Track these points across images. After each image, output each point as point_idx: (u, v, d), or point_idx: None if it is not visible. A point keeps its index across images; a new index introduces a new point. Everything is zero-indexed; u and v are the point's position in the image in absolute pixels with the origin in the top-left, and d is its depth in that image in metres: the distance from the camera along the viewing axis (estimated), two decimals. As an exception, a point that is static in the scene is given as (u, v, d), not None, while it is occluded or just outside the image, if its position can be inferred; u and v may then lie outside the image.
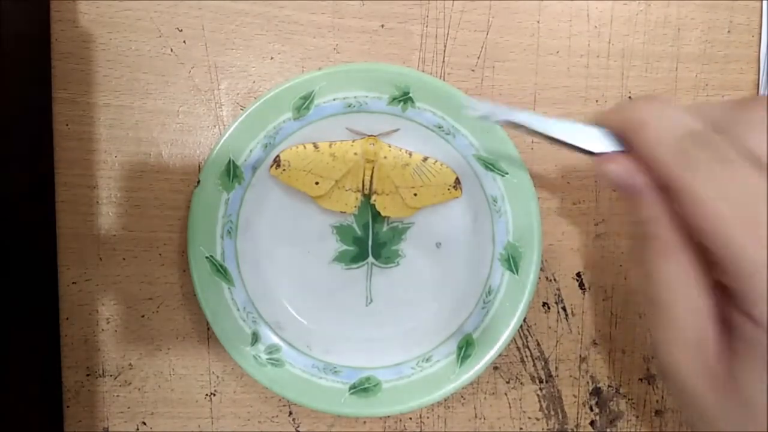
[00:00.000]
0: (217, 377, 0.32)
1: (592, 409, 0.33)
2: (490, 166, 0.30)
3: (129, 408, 0.31)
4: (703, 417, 0.21)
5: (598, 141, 0.23)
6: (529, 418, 0.32)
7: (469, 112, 0.24)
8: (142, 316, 0.31)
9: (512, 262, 0.30)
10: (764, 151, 0.19)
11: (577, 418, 0.33)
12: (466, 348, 0.30)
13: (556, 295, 0.32)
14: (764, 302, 0.18)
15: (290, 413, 0.32)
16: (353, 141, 0.30)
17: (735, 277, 0.19)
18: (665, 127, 0.21)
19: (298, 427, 0.32)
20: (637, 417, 0.33)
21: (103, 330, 0.31)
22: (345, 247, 0.31)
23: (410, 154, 0.30)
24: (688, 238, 0.21)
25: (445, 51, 0.31)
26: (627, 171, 0.22)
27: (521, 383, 0.32)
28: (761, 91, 0.32)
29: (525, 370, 0.32)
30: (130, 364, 0.31)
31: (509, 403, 0.32)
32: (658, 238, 0.21)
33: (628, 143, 0.22)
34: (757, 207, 0.18)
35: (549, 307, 0.32)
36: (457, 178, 0.30)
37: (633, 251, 0.23)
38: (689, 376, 0.21)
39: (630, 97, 0.32)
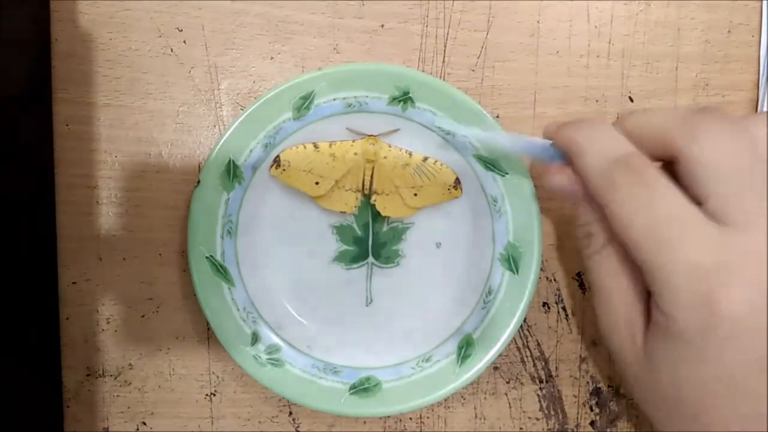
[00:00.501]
0: (217, 377, 0.32)
1: (592, 409, 0.33)
2: (490, 166, 0.30)
3: (129, 408, 0.31)
4: (629, 382, 0.26)
5: (546, 152, 0.27)
6: (529, 418, 0.32)
7: (440, 123, 0.29)
8: (142, 316, 0.31)
9: (512, 262, 0.30)
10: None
11: (577, 418, 0.33)
12: (466, 348, 0.30)
13: (556, 295, 0.32)
14: (668, 298, 0.22)
15: (290, 413, 0.32)
16: (353, 141, 0.30)
17: (648, 278, 0.23)
18: (596, 151, 0.24)
19: (298, 427, 0.32)
20: (637, 417, 0.33)
21: (103, 330, 0.31)
22: (345, 247, 0.31)
23: (410, 154, 0.30)
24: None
25: (445, 51, 0.31)
26: (568, 182, 0.26)
27: (521, 383, 0.32)
28: (761, 91, 0.32)
29: (525, 370, 0.32)
30: (130, 364, 0.31)
31: (509, 403, 0.32)
32: (595, 237, 0.26)
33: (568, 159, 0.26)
34: (667, 226, 0.22)
35: (549, 307, 0.32)
36: (457, 178, 0.30)
37: (581, 248, 0.27)
38: (621, 349, 0.26)
39: (630, 98, 0.32)
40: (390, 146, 0.30)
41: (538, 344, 0.32)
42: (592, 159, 0.24)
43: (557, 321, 0.32)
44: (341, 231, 0.31)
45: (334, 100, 0.29)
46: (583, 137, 0.25)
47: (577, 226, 0.27)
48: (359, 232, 0.31)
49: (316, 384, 0.30)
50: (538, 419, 0.33)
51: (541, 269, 0.32)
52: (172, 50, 0.31)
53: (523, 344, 0.32)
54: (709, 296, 0.22)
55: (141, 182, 0.31)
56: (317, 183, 0.30)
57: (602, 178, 0.24)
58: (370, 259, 0.31)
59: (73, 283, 0.31)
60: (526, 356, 0.32)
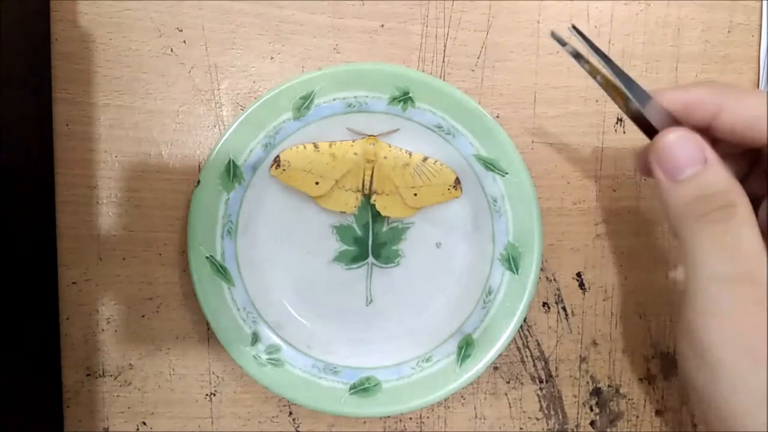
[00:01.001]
0: (217, 377, 0.32)
1: (592, 409, 0.33)
2: (490, 166, 0.30)
3: (129, 408, 0.31)
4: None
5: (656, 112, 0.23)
6: (529, 418, 0.32)
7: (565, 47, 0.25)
8: (142, 316, 0.31)
9: (512, 262, 0.30)
10: None
11: (577, 418, 0.33)
12: (466, 348, 0.30)
13: (556, 295, 0.32)
14: None
15: (290, 413, 0.32)
16: (353, 141, 0.30)
17: None
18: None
19: (298, 427, 0.32)
20: (637, 417, 0.33)
21: (103, 330, 0.31)
22: (345, 247, 0.31)
23: (410, 154, 0.30)
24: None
25: (445, 51, 0.31)
26: (698, 141, 0.22)
27: (521, 383, 0.32)
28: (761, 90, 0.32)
29: (525, 370, 0.32)
30: (130, 364, 0.31)
31: (509, 403, 0.32)
32: (741, 205, 0.21)
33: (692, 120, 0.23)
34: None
35: (549, 307, 0.32)
36: (457, 178, 0.30)
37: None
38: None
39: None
40: (390, 146, 0.30)
41: (538, 344, 0.32)
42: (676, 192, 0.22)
43: (557, 321, 0.32)
44: (341, 231, 0.31)
45: (334, 100, 0.29)
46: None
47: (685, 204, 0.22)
48: (359, 232, 0.31)
49: (316, 384, 0.30)
50: (538, 419, 0.33)
51: (541, 269, 0.32)
52: (172, 50, 0.31)
53: (523, 344, 0.32)
54: None
55: (141, 182, 0.31)
56: (317, 183, 0.30)
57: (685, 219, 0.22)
58: (370, 259, 0.31)
59: (73, 283, 0.31)
60: (526, 356, 0.32)
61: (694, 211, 0.21)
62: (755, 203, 0.23)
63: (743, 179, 0.25)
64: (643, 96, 0.24)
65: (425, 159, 0.30)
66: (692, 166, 0.21)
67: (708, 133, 0.23)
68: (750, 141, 0.23)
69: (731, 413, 0.21)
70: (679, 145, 0.22)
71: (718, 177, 0.21)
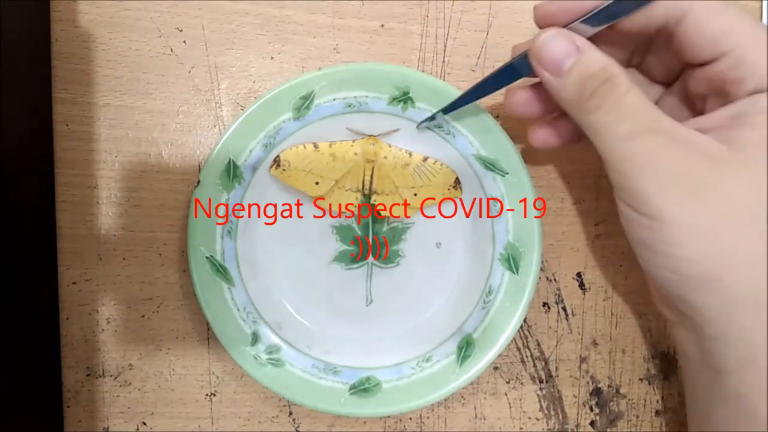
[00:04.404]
0: (217, 377, 0.32)
1: (592, 409, 0.33)
2: (490, 166, 0.30)
3: (129, 408, 0.31)
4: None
5: (522, 67, 0.26)
6: (529, 418, 0.32)
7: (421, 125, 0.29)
8: (142, 316, 0.31)
9: (512, 262, 0.30)
10: None
11: (577, 418, 0.33)
12: (466, 348, 0.30)
13: (556, 295, 0.32)
14: None
15: (290, 413, 0.32)
16: (353, 141, 0.30)
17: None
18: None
19: (298, 427, 0.32)
20: (637, 417, 0.33)
21: (103, 330, 0.31)
22: (345, 247, 0.31)
23: (410, 154, 0.30)
24: None
25: (445, 51, 0.31)
26: (568, 34, 0.24)
27: (521, 383, 0.32)
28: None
29: (525, 370, 0.32)
30: (130, 364, 0.31)
31: (509, 403, 0.32)
32: (620, 75, 0.24)
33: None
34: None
35: (549, 307, 0.32)
36: (457, 178, 0.30)
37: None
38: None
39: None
40: (390, 146, 0.30)
41: (538, 344, 0.32)
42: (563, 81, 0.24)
43: (557, 321, 0.32)
44: (341, 231, 0.31)
45: (334, 100, 0.29)
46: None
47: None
48: (359, 232, 0.31)
49: (316, 384, 0.30)
50: (538, 419, 0.33)
51: (541, 269, 0.32)
52: (172, 50, 0.31)
53: (523, 344, 0.32)
54: None
55: (141, 182, 0.31)
56: (317, 183, 0.30)
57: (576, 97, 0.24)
58: (370, 259, 0.31)
59: (73, 283, 0.31)
60: (526, 356, 0.32)
61: (584, 93, 0.23)
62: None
63: (639, 66, 0.28)
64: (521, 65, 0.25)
65: (425, 159, 0.30)
66: (569, 57, 0.24)
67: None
68: (708, 54, 0.24)
69: (676, 257, 0.23)
70: (552, 42, 0.24)
71: (594, 58, 0.23)
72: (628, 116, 0.23)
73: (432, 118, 0.29)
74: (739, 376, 0.23)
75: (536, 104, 0.27)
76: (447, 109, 0.28)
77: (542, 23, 0.25)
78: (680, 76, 0.27)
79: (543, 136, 0.28)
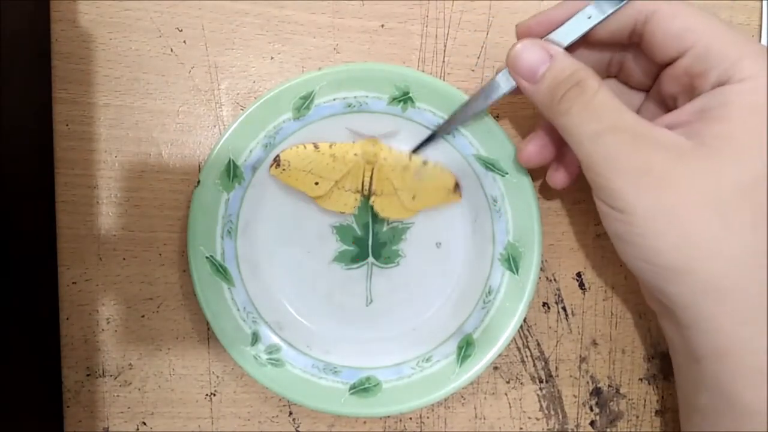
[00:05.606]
0: (217, 377, 0.32)
1: (592, 409, 0.33)
2: (490, 166, 0.30)
3: (129, 408, 0.31)
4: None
5: (507, 83, 0.27)
6: (529, 418, 0.32)
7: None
8: (142, 316, 0.31)
9: (512, 262, 0.30)
10: None
11: (577, 418, 0.33)
12: (466, 348, 0.30)
13: (556, 295, 0.32)
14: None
15: (290, 413, 0.32)
16: (353, 142, 0.30)
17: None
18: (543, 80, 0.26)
19: (298, 427, 0.32)
20: (637, 417, 0.33)
21: (103, 330, 0.31)
22: (345, 247, 0.31)
23: (410, 157, 0.30)
24: None
25: (445, 51, 0.31)
26: (540, 43, 0.26)
27: (521, 383, 0.32)
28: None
29: (525, 370, 0.32)
30: (130, 364, 0.31)
31: (509, 403, 0.32)
32: (589, 78, 0.25)
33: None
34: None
35: (549, 307, 0.32)
36: (456, 182, 0.30)
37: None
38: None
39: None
40: (390, 148, 0.30)
41: (538, 344, 0.32)
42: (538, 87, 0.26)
43: (557, 321, 0.32)
44: (341, 231, 0.31)
45: (334, 100, 0.29)
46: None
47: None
48: (359, 232, 0.31)
49: (316, 384, 0.30)
50: (538, 419, 0.33)
51: (541, 269, 0.32)
52: (172, 50, 0.31)
53: (523, 344, 0.32)
54: None
55: (141, 182, 0.31)
56: (317, 183, 0.30)
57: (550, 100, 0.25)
58: (370, 259, 0.31)
59: (73, 283, 0.31)
60: (526, 356, 0.32)
61: (555, 97, 0.25)
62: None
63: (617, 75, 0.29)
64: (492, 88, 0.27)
65: (425, 162, 0.30)
66: (542, 64, 0.25)
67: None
68: (672, 52, 0.25)
69: (647, 247, 0.24)
70: (526, 51, 0.25)
71: (565, 64, 0.25)
72: (595, 116, 0.24)
73: (426, 142, 0.30)
74: (716, 364, 0.24)
75: (549, 148, 0.28)
76: (440, 131, 0.29)
77: (523, 37, 0.27)
78: (656, 81, 0.28)
79: (561, 177, 0.29)
